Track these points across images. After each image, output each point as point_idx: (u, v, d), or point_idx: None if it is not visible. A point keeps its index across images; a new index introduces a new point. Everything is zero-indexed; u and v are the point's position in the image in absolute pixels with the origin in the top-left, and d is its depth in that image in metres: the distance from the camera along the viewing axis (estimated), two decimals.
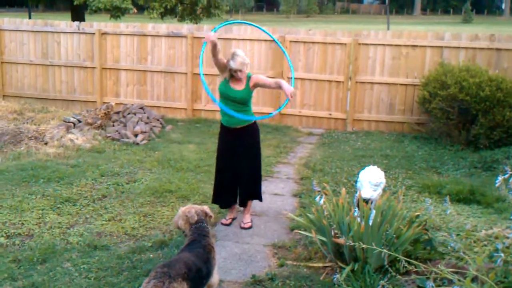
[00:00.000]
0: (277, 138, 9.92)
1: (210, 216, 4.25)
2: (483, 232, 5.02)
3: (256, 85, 5.67)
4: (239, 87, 5.62)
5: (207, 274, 3.81)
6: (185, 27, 11.67)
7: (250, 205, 5.96)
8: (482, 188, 6.80)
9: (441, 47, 10.33)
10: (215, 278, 4.02)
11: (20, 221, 5.72)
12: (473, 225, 5.56)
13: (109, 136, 9.35)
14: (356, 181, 5.74)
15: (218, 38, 11.05)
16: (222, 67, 5.65)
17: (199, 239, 3.92)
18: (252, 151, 5.80)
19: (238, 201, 5.97)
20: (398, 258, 4.03)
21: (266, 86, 5.80)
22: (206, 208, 4.25)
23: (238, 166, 5.77)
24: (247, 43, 11.12)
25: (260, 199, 6.00)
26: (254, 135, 5.82)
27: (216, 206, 6.02)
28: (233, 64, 5.51)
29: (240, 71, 5.52)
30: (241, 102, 5.62)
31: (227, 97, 5.63)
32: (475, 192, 6.66)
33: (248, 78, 5.63)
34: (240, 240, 5.51)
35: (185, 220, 4.09)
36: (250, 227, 5.80)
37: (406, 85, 10.54)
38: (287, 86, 5.43)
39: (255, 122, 5.82)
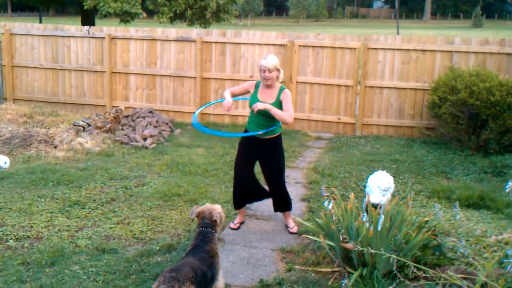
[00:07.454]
0: (285, 142, 9.81)
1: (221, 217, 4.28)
2: (493, 237, 4.98)
3: (281, 102, 5.45)
4: (268, 100, 5.44)
5: (212, 279, 3.84)
6: (194, 32, 11.69)
7: (288, 214, 5.94)
8: (492, 194, 6.75)
9: (451, 51, 10.29)
10: (220, 282, 4.03)
11: (29, 224, 5.75)
12: (483, 231, 5.51)
13: (118, 140, 9.38)
14: (364, 186, 5.72)
15: (228, 43, 11.11)
16: (246, 92, 5.70)
17: (202, 244, 3.95)
18: (273, 161, 5.71)
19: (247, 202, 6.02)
20: (406, 264, 4.00)
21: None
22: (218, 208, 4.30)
23: (263, 172, 5.82)
24: (256, 47, 11.13)
25: (290, 209, 5.95)
26: (276, 147, 5.69)
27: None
28: (264, 62, 5.37)
29: (269, 71, 5.34)
30: (270, 116, 5.39)
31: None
32: (485, 197, 6.61)
33: (280, 91, 5.46)
34: (248, 244, 5.50)
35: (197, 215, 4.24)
36: (297, 232, 5.75)
37: (415, 89, 10.50)
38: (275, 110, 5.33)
39: (279, 134, 5.67)
